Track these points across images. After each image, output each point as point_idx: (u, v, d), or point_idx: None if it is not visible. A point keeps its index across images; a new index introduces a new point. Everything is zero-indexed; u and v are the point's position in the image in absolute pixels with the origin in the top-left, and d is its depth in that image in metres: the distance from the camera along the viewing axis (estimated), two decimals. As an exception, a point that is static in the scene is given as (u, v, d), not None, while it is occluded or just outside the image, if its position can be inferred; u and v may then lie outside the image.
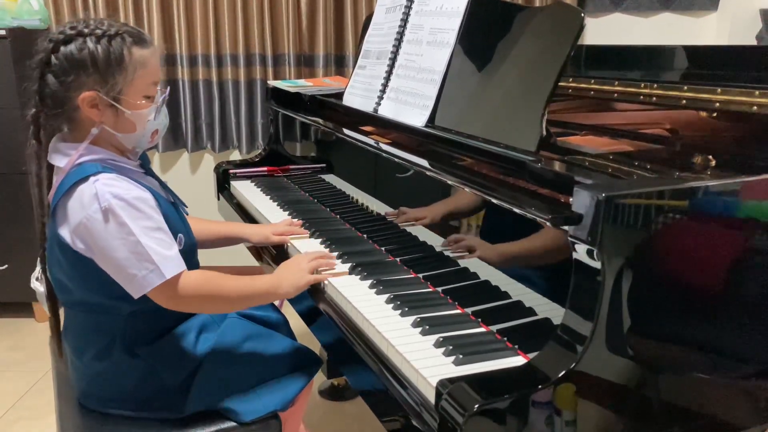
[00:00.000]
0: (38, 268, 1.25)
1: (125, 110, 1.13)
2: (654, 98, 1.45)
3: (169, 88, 1.26)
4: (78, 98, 1.10)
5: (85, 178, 1.09)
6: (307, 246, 1.44)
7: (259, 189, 1.94)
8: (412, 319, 1.07)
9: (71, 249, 1.11)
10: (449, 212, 1.23)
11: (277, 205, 1.77)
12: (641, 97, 1.47)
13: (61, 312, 1.28)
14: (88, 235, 1.08)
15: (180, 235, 1.20)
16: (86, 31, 1.10)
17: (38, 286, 1.29)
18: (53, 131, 1.18)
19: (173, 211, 1.22)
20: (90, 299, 1.16)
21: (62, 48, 1.09)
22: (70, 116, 1.14)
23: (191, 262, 1.23)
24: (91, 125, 1.13)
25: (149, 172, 1.26)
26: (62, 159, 1.13)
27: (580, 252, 0.85)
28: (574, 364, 0.83)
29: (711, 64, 1.47)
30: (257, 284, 1.23)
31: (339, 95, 1.77)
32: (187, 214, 1.32)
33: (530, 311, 1.02)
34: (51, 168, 1.18)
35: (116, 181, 1.10)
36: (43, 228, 1.19)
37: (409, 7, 1.52)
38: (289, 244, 1.48)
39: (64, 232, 1.11)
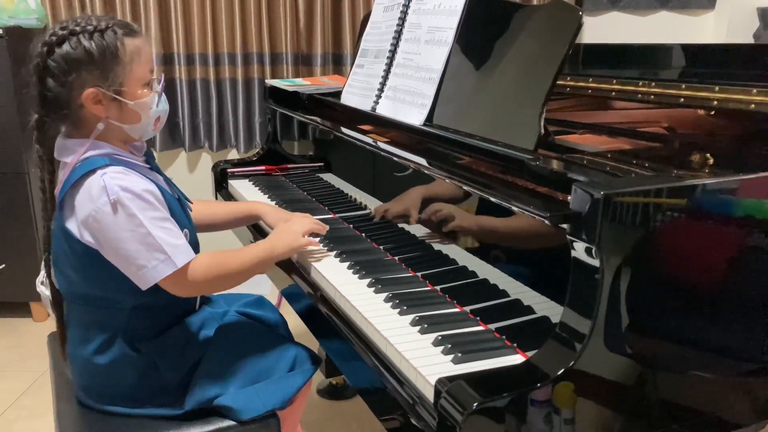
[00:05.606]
0: (42, 272, 1.26)
1: (128, 102, 1.14)
2: (652, 96, 1.45)
3: (163, 74, 1.27)
4: (81, 97, 1.11)
5: (92, 171, 1.10)
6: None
7: (257, 188, 1.94)
8: (410, 317, 1.07)
9: (79, 241, 1.12)
10: (445, 210, 1.23)
11: (276, 204, 1.77)
12: (639, 95, 1.48)
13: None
14: (97, 227, 1.09)
15: (185, 229, 1.21)
16: (77, 29, 1.10)
17: (44, 290, 1.29)
18: (56, 133, 1.19)
19: (178, 206, 1.23)
20: (94, 293, 1.17)
21: (57, 50, 1.10)
22: (74, 115, 1.14)
23: None
24: (97, 121, 1.14)
25: (154, 168, 1.26)
26: (69, 155, 1.15)
27: (579, 250, 0.85)
28: (572, 362, 0.83)
29: (708, 62, 1.47)
30: (255, 251, 1.27)
31: (337, 94, 1.77)
32: (191, 210, 1.33)
33: (529, 309, 1.02)
34: (55, 164, 1.19)
35: (124, 174, 1.11)
36: (47, 233, 1.20)
37: (407, 6, 1.52)
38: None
39: (72, 225, 1.12)
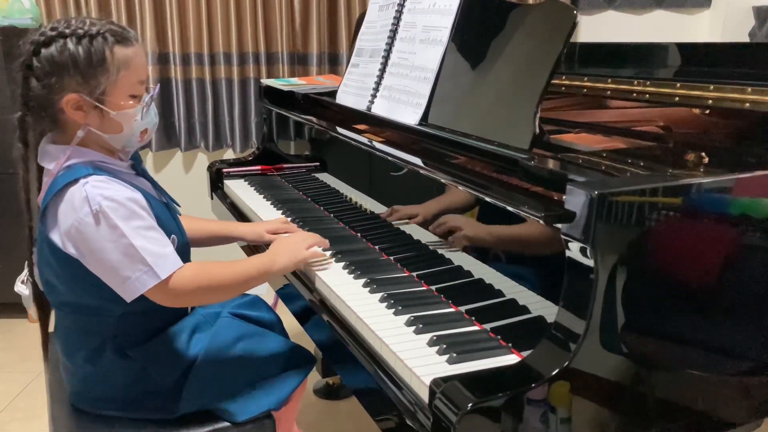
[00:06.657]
0: (25, 271, 1.24)
1: (110, 111, 1.11)
2: (647, 95, 1.45)
3: (159, 85, 1.24)
4: (61, 101, 1.08)
5: (74, 181, 1.07)
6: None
7: (253, 188, 1.93)
8: (405, 317, 1.07)
9: (62, 251, 1.09)
10: (443, 210, 1.23)
11: (271, 204, 1.76)
12: (634, 94, 1.48)
13: (51, 315, 1.27)
14: (80, 238, 1.07)
15: (173, 235, 1.18)
16: (67, 31, 1.07)
17: (23, 289, 1.28)
18: (41, 134, 1.17)
19: (165, 211, 1.21)
20: (81, 301, 1.15)
21: (43, 50, 1.07)
22: (55, 119, 1.12)
23: (184, 262, 1.22)
24: (77, 127, 1.11)
25: (141, 173, 1.24)
26: (51, 161, 1.12)
27: (574, 250, 0.85)
28: (567, 362, 0.83)
29: (704, 61, 1.47)
30: (252, 264, 1.22)
31: (332, 93, 1.77)
32: (180, 214, 1.31)
33: (524, 309, 1.02)
34: (41, 170, 1.17)
35: (106, 183, 1.08)
36: (30, 231, 1.18)
37: (402, 5, 1.51)
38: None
39: (55, 235, 1.10)
